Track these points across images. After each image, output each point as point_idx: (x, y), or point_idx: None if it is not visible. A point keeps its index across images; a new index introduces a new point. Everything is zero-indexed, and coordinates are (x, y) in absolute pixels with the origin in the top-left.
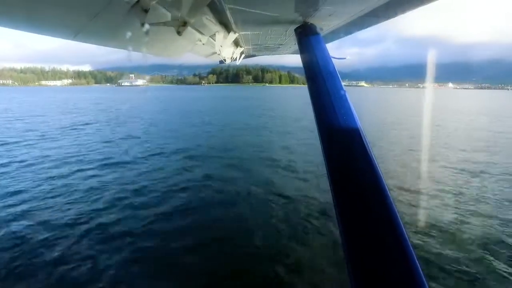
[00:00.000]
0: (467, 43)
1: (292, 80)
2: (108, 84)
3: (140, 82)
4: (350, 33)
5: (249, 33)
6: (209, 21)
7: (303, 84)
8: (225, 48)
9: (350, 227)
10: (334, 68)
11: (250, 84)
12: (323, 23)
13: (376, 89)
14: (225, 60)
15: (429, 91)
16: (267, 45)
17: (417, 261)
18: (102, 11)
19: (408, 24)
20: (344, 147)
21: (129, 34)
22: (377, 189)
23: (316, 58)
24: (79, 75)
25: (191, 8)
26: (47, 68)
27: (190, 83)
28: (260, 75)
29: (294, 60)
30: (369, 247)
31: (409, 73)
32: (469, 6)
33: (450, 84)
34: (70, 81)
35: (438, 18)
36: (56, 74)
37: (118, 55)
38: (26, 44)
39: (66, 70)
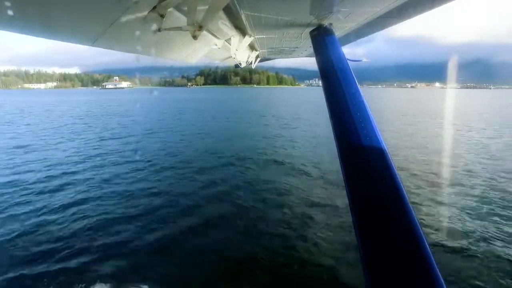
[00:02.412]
0: (453, 44)
1: (280, 81)
2: (95, 87)
3: (124, 84)
4: (366, 35)
5: (264, 36)
6: (225, 25)
7: (291, 85)
8: (240, 52)
9: (366, 230)
10: (350, 70)
11: (238, 85)
12: (339, 26)
13: (365, 89)
14: (240, 64)
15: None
16: (282, 48)
17: (438, 272)
18: (120, 17)
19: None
20: (360, 148)
21: (146, 39)
22: (394, 193)
23: (331, 60)
24: (65, 77)
25: (206, 13)
26: (32, 71)
27: (178, 85)
28: (248, 76)
29: (283, 61)
30: (387, 257)
31: (397, 73)
32: (455, 7)
33: (437, 84)
34: (54, 84)
35: (426, 19)
36: (42, 77)
37: (107, 57)
38: (12, 46)
39: (52, 73)
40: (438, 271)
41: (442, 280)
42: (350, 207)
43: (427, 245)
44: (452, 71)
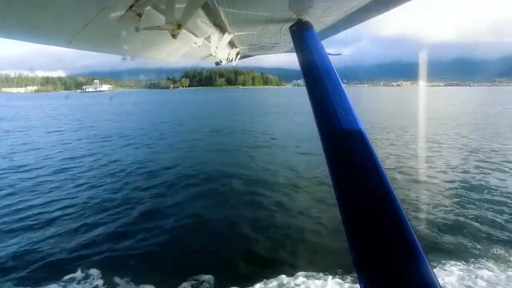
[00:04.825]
0: (436, 43)
1: (265, 82)
2: (79, 90)
3: (105, 87)
4: (345, 28)
5: (244, 33)
6: (204, 23)
7: (277, 85)
8: (220, 49)
9: (355, 228)
10: (331, 63)
11: (224, 86)
12: (318, 20)
13: (352, 88)
14: (221, 61)
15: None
16: (262, 44)
17: (427, 263)
18: (96, 17)
19: (381, 24)
20: (344, 141)
21: (124, 39)
22: (381, 188)
23: (312, 55)
24: (47, 81)
25: (185, 11)
26: (12, 75)
27: (162, 87)
28: (233, 77)
29: (271, 61)
30: (376, 249)
31: (383, 72)
32: (435, 7)
33: (422, 82)
34: (35, 88)
35: (408, 19)
36: (23, 81)
37: (93, 60)
38: None
39: (34, 76)
40: (430, 267)
41: (436, 280)
42: (338, 201)
43: (417, 240)
44: (436, 70)
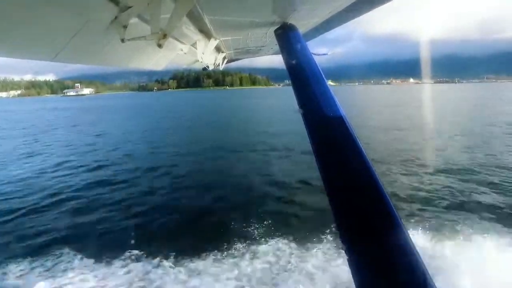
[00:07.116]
0: (426, 40)
1: (254, 82)
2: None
3: (86, 91)
4: (330, 28)
5: (230, 38)
6: (189, 30)
7: (265, 85)
8: (207, 55)
9: (345, 220)
10: (316, 64)
11: (211, 87)
12: (303, 22)
13: (343, 86)
14: (208, 66)
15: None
16: (248, 48)
17: (413, 247)
18: (81, 30)
19: (371, 23)
20: (332, 139)
21: (109, 50)
22: (370, 182)
23: (297, 57)
24: (33, 85)
25: (170, 20)
26: None
27: (151, 89)
28: (220, 78)
29: (263, 61)
30: (366, 237)
31: (374, 70)
32: (423, 5)
33: (411, 80)
34: (18, 92)
35: (397, 18)
36: (8, 85)
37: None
38: None
39: (20, 80)
40: (416, 250)
41: (423, 263)
42: (329, 198)
43: (403, 226)
44: (425, 67)
